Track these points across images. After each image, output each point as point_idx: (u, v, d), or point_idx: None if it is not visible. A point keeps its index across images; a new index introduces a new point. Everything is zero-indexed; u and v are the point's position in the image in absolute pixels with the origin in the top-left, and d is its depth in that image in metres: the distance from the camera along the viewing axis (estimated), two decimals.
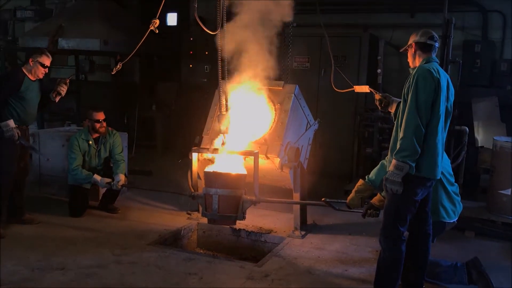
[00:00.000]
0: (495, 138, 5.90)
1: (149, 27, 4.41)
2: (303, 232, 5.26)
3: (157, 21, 4.42)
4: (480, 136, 7.38)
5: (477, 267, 4.36)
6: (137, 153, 9.11)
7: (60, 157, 6.23)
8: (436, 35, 3.77)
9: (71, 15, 9.38)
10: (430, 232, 3.90)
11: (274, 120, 5.03)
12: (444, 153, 3.87)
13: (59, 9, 10.43)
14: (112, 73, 4.83)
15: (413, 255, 3.84)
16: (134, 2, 10.66)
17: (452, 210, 4.25)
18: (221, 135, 4.69)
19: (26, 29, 10.82)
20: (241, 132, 4.88)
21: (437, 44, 3.77)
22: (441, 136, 3.62)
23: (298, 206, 5.20)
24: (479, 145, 7.17)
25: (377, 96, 4.23)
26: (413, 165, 3.47)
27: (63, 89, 5.24)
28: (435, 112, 3.52)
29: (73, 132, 6.29)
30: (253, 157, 4.60)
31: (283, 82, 5.23)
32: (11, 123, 4.84)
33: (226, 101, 4.68)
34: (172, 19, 10.24)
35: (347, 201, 4.08)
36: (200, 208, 4.93)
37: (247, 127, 4.98)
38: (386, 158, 3.88)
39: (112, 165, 5.81)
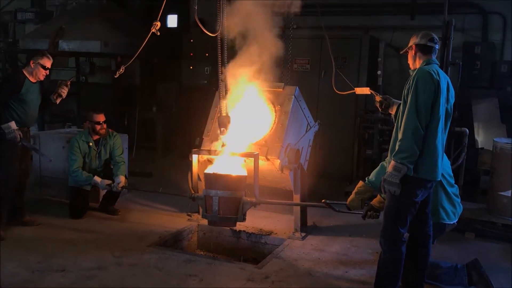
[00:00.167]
0: (495, 139, 5.90)
1: (150, 29, 4.41)
2: (303, 234, 5.26)
3: (159, 23, 4.43)
4: (480, 138, 7.38)
5: (477, 269, 4.37)
6: (137, 154, 9.11)
7: (61, 159, 6.23)
8: (436, 37, 3.78)
9: (71, 17, 9.39)
10: (430, 233, 3.90)
11: (275, 122, 5.03)
12: (444, 155, 3.87)
13: (59, 11, 10.42)
14: (115, 76, 4.84)
15: (413, 256, 3.84)
16: (135, 3, 10.67)
17: (452, 212, 4.25)
18: (222, 136, 4.69)
19: (26, 31, 10.81)
20: (241, 134, 4.89)
21: (437, 46, 3.78)
22: (441, 137, 3.63)
23: (298, 208, 5.20)
24: (479, 146, 7.16)
25: (378, 98, 4.24)
26: (411, 167, 3.48)
27: (64, 91, 5.25)
28: (434, 114, 3.53)
29: (74, 134, 6.30)
30: (253, 158, 4.60)
31: (283, 83, 5.24)
32: (13, 125, 4.84)
33: (226, 102, 4.69)
34: (172, 21, 10.25)
35: (347, 202, 4.08)
36: (201, 210, 4.94)
37: (248, 129, 4.98)
38: (386, 159, 3.88)
39: (112, 167, 5.81)
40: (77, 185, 5.69)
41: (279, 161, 4.86)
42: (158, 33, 4.45)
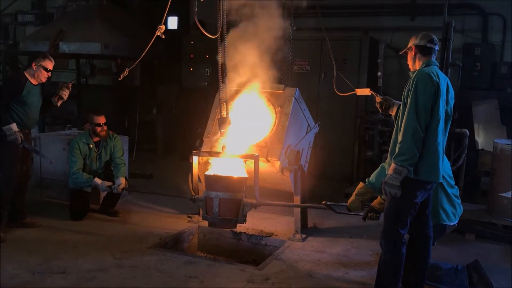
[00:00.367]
0: (495, 140, 5.91)
1: (154, 32, 4.42)
2: (303, 235, 5.26)
3: (163, 27, 4.42)
4: (481, 139, 7.37)
5: (478, 270, 4.37)
6: (137, 156, 9.12)
7: (61, 161, 6.23)
8: (436, 38, 3.78)
9: (71, 19, 9.39)
10: (430, 235, 3.90)
11: (275, 123, 5.03)
12: (445, 156, 3.87)
13: (60, 13, 10.42)
14: (119, 79, 4.84)
15: (413, 258, 3.84)
16: (135, 5, 10.68)
17: (452, 213, 4.25)
18: (222, 138, 4.69)
19: (27, 33, 10.83)
20: (241, 135, 4.89)
21: (437, 47, 3.79)
22: (441, 139, 3.63)
23: (298, 209, 5.20)
24: (480, 147, 7.16)
25: (378, 99, 4.24)
26: (412, 169, 3.48)
27: (65, 94, 5.25)
28: (434, 116, 3.53)
29: (74, 136, 6.31)
30: (253, 160, 4.60)
31: (283, 85, 5.24)
32: (14, 126, 4.84)
33: (227, 104, 4.69)
34: (172, 22, 10.27)
35: (348, 204, 4.08)
36: (201, 212, 4.94)
37: (248, 130, 4.99)
38: (386, 161, 3.88)
39: (112, 169, 5.82)
40: (78, 187, 5.69)
41: (279, 162, 4.86)
42: (163, 36, 4.44)
